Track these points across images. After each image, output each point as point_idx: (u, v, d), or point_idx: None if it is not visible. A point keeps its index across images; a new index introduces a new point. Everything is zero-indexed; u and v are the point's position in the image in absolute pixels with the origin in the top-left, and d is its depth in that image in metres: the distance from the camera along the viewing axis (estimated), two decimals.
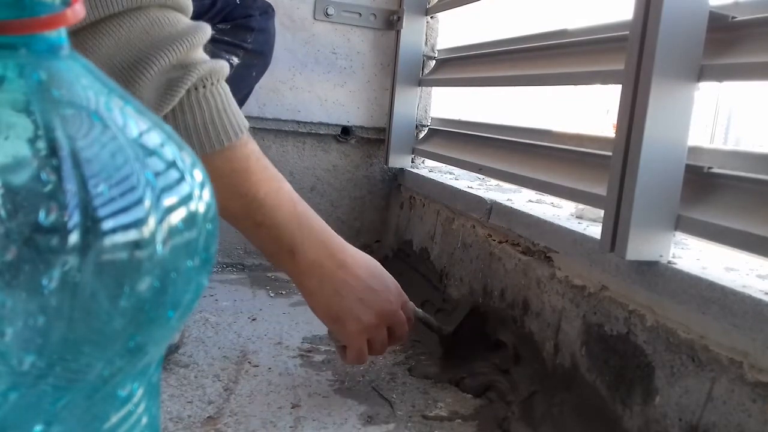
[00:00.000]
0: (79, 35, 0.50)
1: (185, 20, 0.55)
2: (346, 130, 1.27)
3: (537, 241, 0.77)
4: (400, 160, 1.26)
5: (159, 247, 0.25)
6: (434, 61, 1.26)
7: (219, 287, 1.08)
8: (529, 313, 0.76)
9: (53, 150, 0.23)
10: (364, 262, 0.69)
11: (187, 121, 0.56)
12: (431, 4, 1.22)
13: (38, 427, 0.24)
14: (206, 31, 0.56)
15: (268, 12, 0.92)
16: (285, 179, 0.65)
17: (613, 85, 0.64)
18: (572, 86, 0.83)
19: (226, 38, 0.87)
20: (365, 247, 1.30)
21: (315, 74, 1.23)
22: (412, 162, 1.27)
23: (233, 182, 0.60)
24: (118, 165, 0.24)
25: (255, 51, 0.91)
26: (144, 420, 0.29)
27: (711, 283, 0.52)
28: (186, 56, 0.54)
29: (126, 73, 0.52)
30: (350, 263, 0.67)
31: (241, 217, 0.62)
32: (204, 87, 0.56)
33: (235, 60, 0.88)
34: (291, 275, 0.67)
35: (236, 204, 0.61)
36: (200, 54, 0.56)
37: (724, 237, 0.53)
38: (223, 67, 0.57)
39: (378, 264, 0.71)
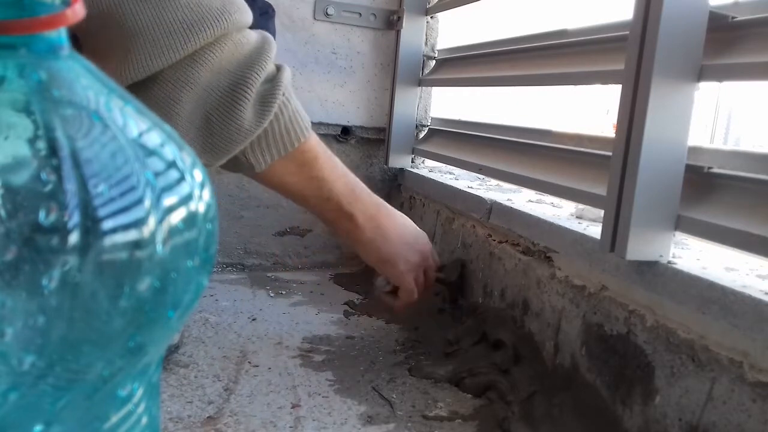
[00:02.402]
0: (177, 67, 0.56)
1: (252, 34, 0.61)
2: (346, 130, 1.27)
3: (537, 241, 0.77)
4: (400, 160, 1.26)
5: (159, 247, 0.25)
6: (434, 61, 1.26)
7: (219, 287, 1.08)
8: (529, 313, 0.76)
9: (53, 150, 0.23)
10: (400, 215, 0.82)
11: (274, 128, 0.63)
12: (431, 4, 1.22)
13: (38, 427, 0.24)
14: (272, 40, 0.63)
15: (268, 12, 0.92)
16: (332, 153, 0.73)
17: (613, 85, 0.64)
18: (572, 86, 0.83)
19: None
20: None
21: (315, 74, 1.23)
22: (412, 162, 1.27)
23: (308, 168, 0.69)
24: (118, 165, 0.24)
25: None
26: (144, 420, 0.29)
27: (711, 283, 0.52)
28: (268, 70, 0.61)
29: (228, 98, 0.58)
30: (393, 215, 0.80)
31: (311, 196, 0.72)
32: (283, 95, 0.63)
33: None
34: (347, 233, 0.77)
35: (308, 186, 0.70)
36: (272, 63, 0.63)
37: (724, 237, 0.53)
38: (289, 73, 0.64)
39: (407, 218, 0.83)
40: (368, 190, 0.79)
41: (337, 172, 0.73)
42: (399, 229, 0.80)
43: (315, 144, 0.69)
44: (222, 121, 0.59)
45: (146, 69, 0.54)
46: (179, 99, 0.56)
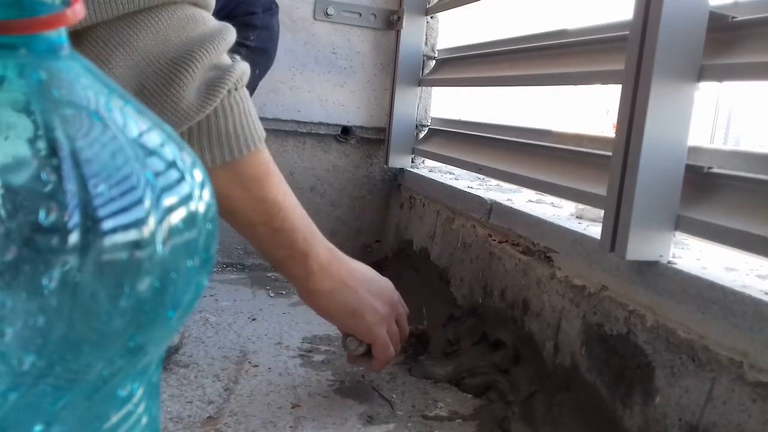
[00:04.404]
0: (113, 26, 0.49)
1: (213, 19, 0.55)
2: (346, 130, 1.27)
3: (537, 241, 0.77)
4: (400, 160, 1.26)
5: (159, 247, 0.25)
6: (434, 61, 1.26)
7: (219, 287, 1.08)
8: (529, 313, 0.76)
9: (53, 150, 0.23)
10: (358, 262, 0.71)
11: (219, 124, 0.55)
12: (431, 4, 1.22)
13: (38, 427, 0.24)
14: (233, 32, 0.56)
15: (272, 9, 0.91)
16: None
17: (613, 85, 0.64)
18: (572, 86, 0.83)
19: None
20: (365, 247, 1.31)
21: (315, 74, 1.23)
22: (412, 162, 1.27)
23: (256, 186, 0.59)
24: (118, 165, 0.24)
25: (258, 49, 0.90)
26: (144, 420, 0.29)
27: (711, 283, 0.52)
28: (220, 57, 0.54)
29: (167, 69, 0.51)
30: (348, 260, 0.69)
31: (258, 223, 0.61)
32: (236, 89, 0.55)
33: (238, 58, 0.88)
34: (300, 279, 0.66)
35: (256, 208, 0.60)
36: (227, 55, 0.56)
37: (724, 237, 0.53)
38: (247, 69, 0.57)
39: (364, 264, 0.72)
40: (320, 232, 0.67)
41: (292, 201, 0.63)
42: (361, 274, 0.69)
43: (268, 159, 0.60)
44: (157, 95, 0.51)
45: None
46: (109, 60, 0.49)
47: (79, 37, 0.48)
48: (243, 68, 0.55)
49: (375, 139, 1.29)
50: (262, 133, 0.59)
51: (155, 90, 0.51)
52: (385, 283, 0.72)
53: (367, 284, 0.69)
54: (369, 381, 0.77)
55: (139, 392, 0.28)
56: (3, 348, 0.22)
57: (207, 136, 0.55)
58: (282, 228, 0.62)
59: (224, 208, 0.58)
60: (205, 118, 0.54)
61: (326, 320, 0.71)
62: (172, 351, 0.79)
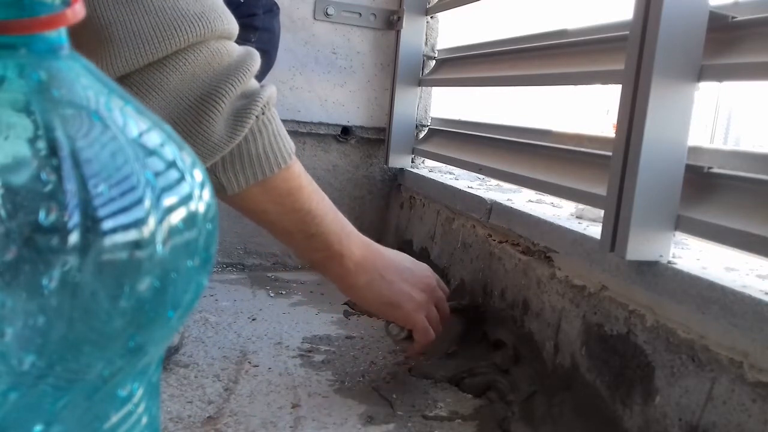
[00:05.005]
0: (144, 72, 0.52)
1: (237, 48, 0.58)
2: (346, 130, 1.27)
3: (537, 241, 0.77)
4: (400, 160, 1.26)
5: (159, 247, 0.25)
6: (434, 61, 1.26)
7: (219, 287, 1.08)
8: (529, 313, 0.76)
9: (53, 150, 0.23)
10: (393, 251, 0.75)
11: (250, 148, 0.58)
12: (431, 4, 1.22)
13: (38, 427, 0.24)
14: (258, 57, 0.59)
15: (273, 10, 0.91)
16: (319, 187, 0.67)
17: (613, 85, 0.64)
18: (572, 86, 0.83)
19: None
20: None
21: (315, 74, 1.23)
22: (412, 162, 1.27)
23: (290, 200, 0.62)
24: (118, 165, 0.24)
25: (259, 50, 0.90)
26: (144, 420, 0.29)
27: (711, 283, 0.52)
28: (247, 84, 0.57)
29: (196, 107, 0.54)
30: (384, 253, 0.73)
31: (295, 231, 0.64)
32: (263, 114, 0.58)
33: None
34: (338, 277, 0.70)
35: (292, 219, 0.63)
36: (254, 80, 0.59)
37: (724, 237, 0.53)
38: (274, 91, 0.60)
39: (400, 252, 0.77)
40: (356, 229, 0.71)
41: (325, 206, 0.66)
42: (396, 265, 0.73)
43: (299, 172, 0.63)
44: (188, 131, 0.54)
45: (112, 72, 0.51)
46: (144, 103, 0.51)
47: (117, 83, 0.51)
48: (270, 93, 0.58)
49: (375, 139, 1.29)
50: (292, 149, 0.62)
51: (186, 126, 0.54)
52: (421, 271, 0.75)
53: (403, 274, 0.72)
54: (369, 381, 0.77)
55: (139, 392, 0.28)
56: (3, 348, 0.22)
57: (240, 161, 0.58)
58: (317, 233, 0.65)
59: (262, 220, 0.64)
60: (236, 145, 0.57)
61: (370, 312, 0.75)
62: (172, 351, 0.79)
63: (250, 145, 0.58)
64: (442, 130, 1.24)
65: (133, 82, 0.52)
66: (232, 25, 0.57)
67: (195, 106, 0.54)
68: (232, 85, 0.55)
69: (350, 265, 0.68)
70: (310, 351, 0.85)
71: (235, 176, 0.59)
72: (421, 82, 1.24)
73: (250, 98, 0.57)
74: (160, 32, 0.51)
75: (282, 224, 0.64)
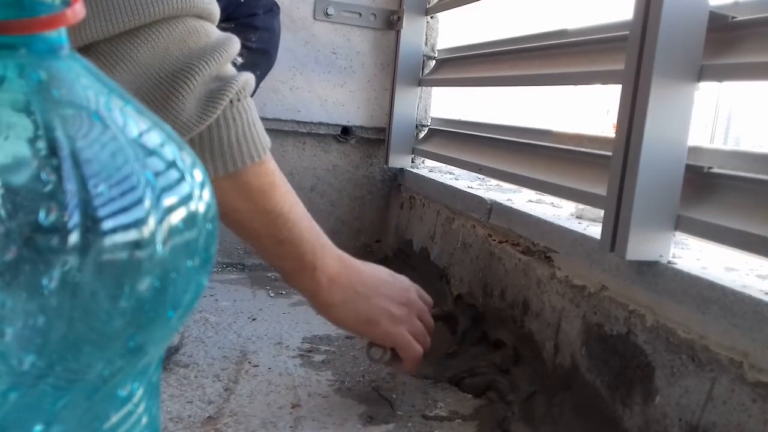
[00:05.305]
0: (114, 42, 0.49)
1: (217, 31, 0.55)
2: (346, 130, 1.27)
3: (537, 241, 0.77)
4: (400, 160, 1.26)
5: (159, 247, 0.25)
6: (434, 61, 1.26)
7: (219, 287, 1.08)
8: (529, 313, 0.76)
9: (53, 150, 0.23)
10: (367, 264, 0.70)
11: (222, 135, 0.55)
12: (431, 4, 1.22)
13: (38, 427, 0.24)
14: (237, 43, 0.56)
15: (273, 10, 0.91)
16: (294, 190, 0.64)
17: (613, 85, 0.64)
18: (572, 86, 0.83)
19: None
20: (365, 247, 1.31)
21: (315, 74, 1.23)
22: (412, 162, 1.27)
23: (261, 198, 0.59)
24: (118, 165, 0.24)
25: (260, 50, 0.90)
26: (144, 420, 0.29)
27: (711, 283, 0.52)
28: (222, 68, 0.54)
29: (167, 82, 0.51)
30: (360, 267, 0.68)
31: (264, 235, 0.61)
32: (239, 101, 0.55)
33: (239, 60, 0.88)
34: (310, 292, 0.66)
35: (261, 220, 0.60)
36: (231, 66, 0.56)
37: (724, 237, 0.53)
38: (251, 79, 0.57)
39: (375, 264, 0.72)
40: (330, 241, 0.66)
41: (299, 212, 0.62)
42: (372, 280, 0.68)
43: (273, 170, 0.59)
44: (158, 107, 0.51)
45: (79, 40, 0.48)
46: (111, 74, 0.49)
47: (84, 52, 0.48)
48: (246, 79, 0.55)
49: (375, 139, 1.29)
50: (267, 144, 0.58)
51: (156, 102, 0.51)
52: (399, 283, 0.71)
53: (379, 288, 0.68)
54: (369, 381, 0.77)
55: (139, 392, 0.28)
56: (3, 348, 0.22)
57: (209, 147, 0.54)
58: (288, 239, 0.61)
59: (231, 219, 0.59)
60: (207, 129, 0.54)
61: (346, 330, 0.69)
62: (172, 351, 0.79)
63: (222, 131, 0.54)
64: (442, 130, 1.24)
65: (101, 51, 0.49)
66: (213, 6, 0.54)
67: (165, 81, 0.51)
68: (207, 63, 0.52)
69: (323, 280, 0.64)
70: (310, 351, 0.85)
71: (204, 164, 0.54)
72: (421, 82, 1.24)
73: (224, 81, 0.53)
74: (134, 1, 0.48)
75: (251, 225, 0.60)
